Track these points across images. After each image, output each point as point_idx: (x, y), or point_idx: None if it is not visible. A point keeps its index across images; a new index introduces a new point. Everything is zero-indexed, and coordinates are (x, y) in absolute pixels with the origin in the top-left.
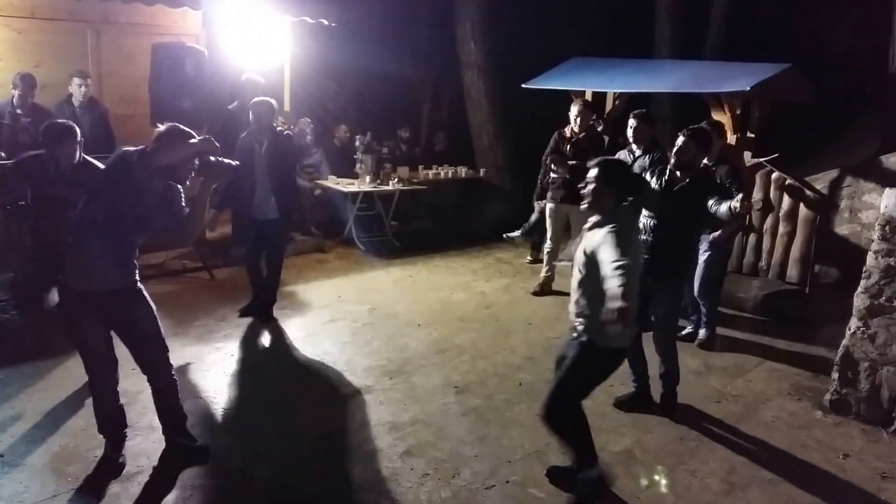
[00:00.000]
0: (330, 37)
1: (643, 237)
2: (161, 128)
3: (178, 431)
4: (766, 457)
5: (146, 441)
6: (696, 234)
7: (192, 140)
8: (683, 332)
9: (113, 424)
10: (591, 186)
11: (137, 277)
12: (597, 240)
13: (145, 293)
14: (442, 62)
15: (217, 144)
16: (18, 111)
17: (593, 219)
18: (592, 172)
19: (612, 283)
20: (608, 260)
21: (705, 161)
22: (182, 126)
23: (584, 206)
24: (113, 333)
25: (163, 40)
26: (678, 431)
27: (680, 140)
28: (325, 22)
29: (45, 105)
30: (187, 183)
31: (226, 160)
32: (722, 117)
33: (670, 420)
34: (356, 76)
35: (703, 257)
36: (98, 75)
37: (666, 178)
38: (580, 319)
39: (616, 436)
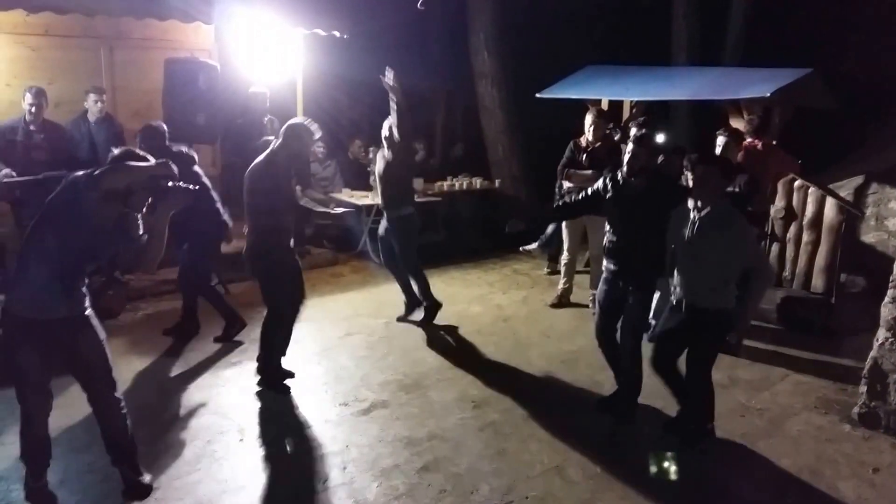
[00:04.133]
0: (342, 49)
1: (607, 243)
2: (115, 151)
3: (125, 462)
4: (793, 472)
5: (165, 457)
6: (661, 238)
7: (146, 164)
8: None
9: (37, 455)
10: (699, 180)
11: (87, 305)
12: (716, 221)
13: (94, 321)
14: (455, 73)
15: (174, 168)
16: (31, 128)
17: (704, 208)
18: (699, 169)
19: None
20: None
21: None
22: (138, 150)
23: (694, 198)
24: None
25: (176, 55)
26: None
27: (630, 147)
28: (338, 34)
29: (59, 122)
30: (144, 210)
31: (184, 185)
32: (741, 125)
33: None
34: (369, 88)
35: None
36: (112, 91)
37: (619, 185)
38: (701, 294)
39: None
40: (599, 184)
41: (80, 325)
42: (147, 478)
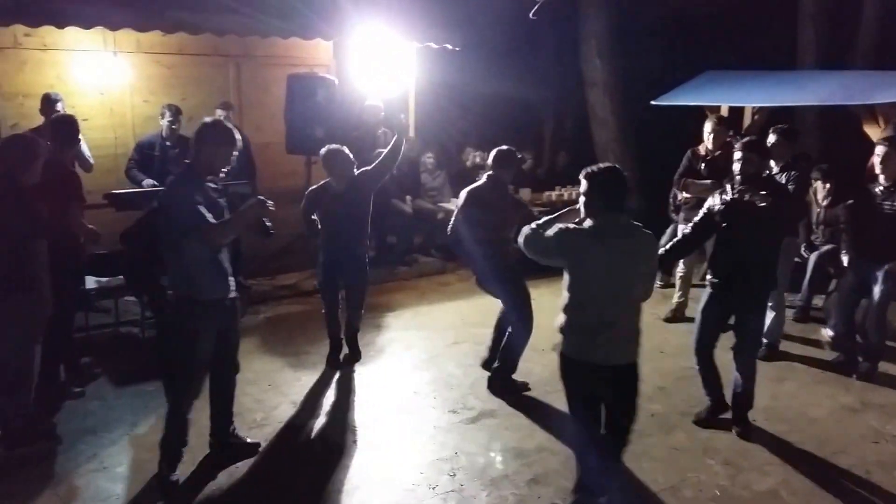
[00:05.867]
0: (452, 60)
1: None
2: None
3: (230, 433)
4: None
5: (284, 458)
6: (774, 251)
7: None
8: (833, 360)
9: (178, 441)
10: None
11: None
12: None
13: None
14: (563, 81)
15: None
16: (167, 143)
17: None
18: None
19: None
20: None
21: (882, 183)
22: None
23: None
24: None
25: (297, 71)
26: (829, 471)
27: (739, 154)
28: (450, 46)
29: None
30: None
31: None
32: (876, 132)
33: (818, 457)
34: (478, 99)
35: (878, 288)
36: (238, 106)
37: (734, 201)
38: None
39: (760, 474)
40: (708, 205)
41: (236, 305)
42: (249, 438)
